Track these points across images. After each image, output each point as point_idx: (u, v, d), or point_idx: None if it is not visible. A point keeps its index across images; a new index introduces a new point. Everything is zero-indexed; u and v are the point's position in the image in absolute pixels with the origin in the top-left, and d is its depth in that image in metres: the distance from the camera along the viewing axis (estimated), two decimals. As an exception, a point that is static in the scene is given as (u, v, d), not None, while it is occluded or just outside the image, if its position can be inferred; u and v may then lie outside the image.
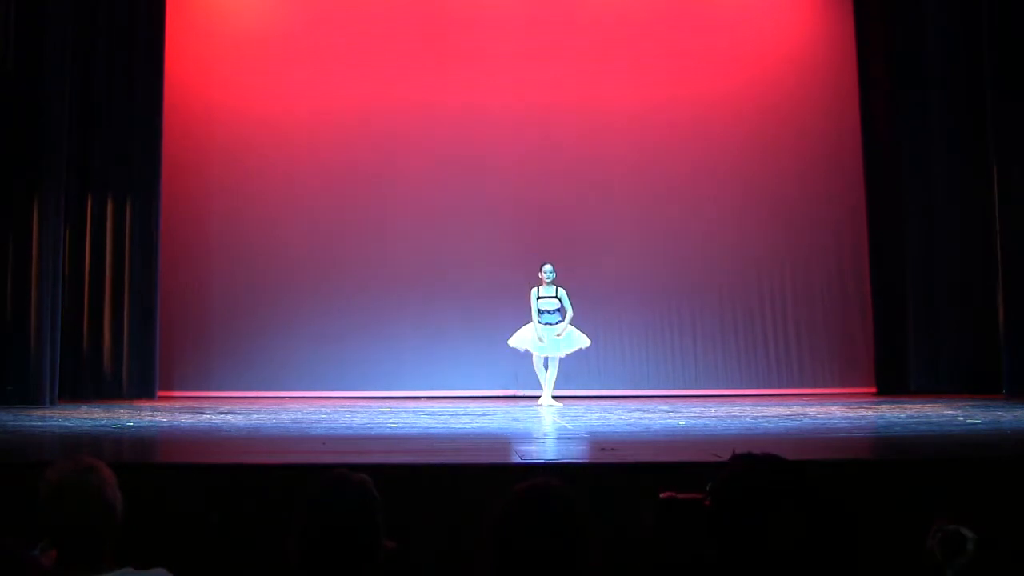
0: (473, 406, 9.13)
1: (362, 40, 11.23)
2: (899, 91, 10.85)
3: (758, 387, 10.85)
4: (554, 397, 9.29)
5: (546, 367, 9.39)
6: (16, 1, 8.98)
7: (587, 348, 9.61)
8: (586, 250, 10.90)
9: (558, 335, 9.27)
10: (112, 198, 10.25)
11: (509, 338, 9.50)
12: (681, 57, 11.34)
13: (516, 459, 5.19)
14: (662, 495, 2.62)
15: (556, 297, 9.35)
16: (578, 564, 2.02)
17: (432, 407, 8.97)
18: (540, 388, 9.42)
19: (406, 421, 7.37)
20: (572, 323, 9.39)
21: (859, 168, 11.15)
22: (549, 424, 7.25)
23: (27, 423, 7.03)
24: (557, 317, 9.34)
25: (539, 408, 8.95)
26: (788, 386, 10.91)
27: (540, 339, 9.30)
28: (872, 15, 11.15)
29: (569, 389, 10.12)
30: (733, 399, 10.00)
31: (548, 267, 9.38)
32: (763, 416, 7.72)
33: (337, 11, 11.35)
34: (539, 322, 9.33)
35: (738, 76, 11.27)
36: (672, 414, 8.04)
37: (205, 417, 7.73)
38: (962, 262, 10.42)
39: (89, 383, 10.06)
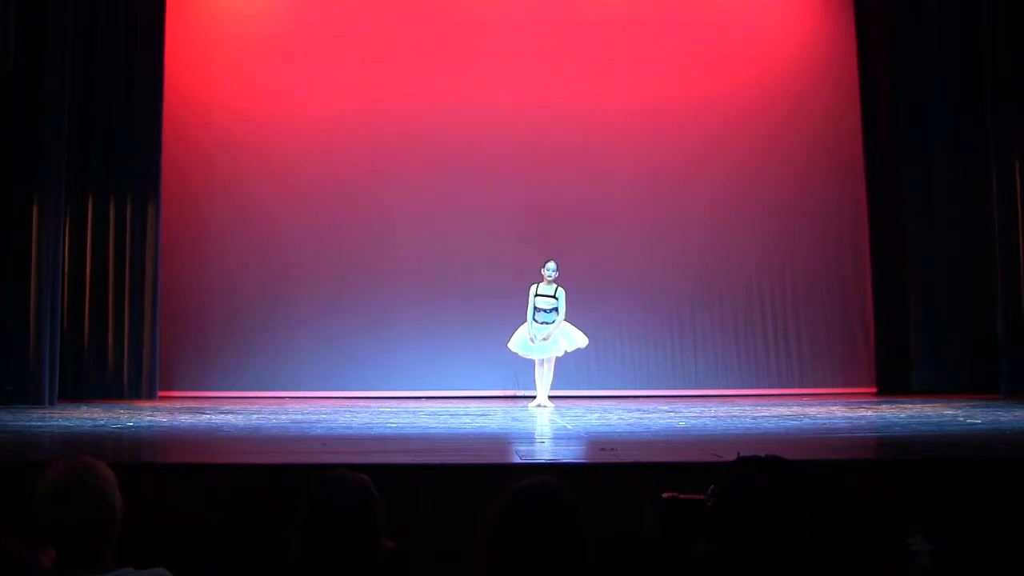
0: (473, 406, 9.13)
1: (362, 39, 11.23)
2: (899, 91, 10.86)
3: (758, 387, 10.84)
4: (550, 397, 9.27)
5: (543, 366, 9.36)
6: (16, 1, 8.98)
7: (587, 347, 9.59)
8: (586, 249, 10.89)
9: (545, 338, 9.21)
10: (112, 198, 10.25)
11: (509, 339, 9.48)
12: (682, 57, 11.34)
13: (516, 459, 5.19)
14: (664, 495, 2.63)
15: (554, 296, 9.31)
16: (575, 562, 2.02)
17: (432, 407, 8.98)
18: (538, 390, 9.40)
19: (406, 421, 7.37)
20: (570, 322, 9.35)
21: (860, 168, 11.16)
22: (548, 424, 7.25)
23: (27, 423, 7.03)
24: (553, 316, 9.30)
25: (533, 409, 8.93)
26: (788, 386, 10.91)
27: (532, 340, 9.26)
28: (872, 15, 11.16)
29: (569, 389, 10.13)
30: (733, 399, 10.00)
31: (551, 264, 9.32)
32: (763, 416, 7.72)
33: (337, 11, 11.35)
34: (534, 320, 9.29)
35: (739, 76, 11.27)
36: (672, 414, 8.04)
37: (205, 417, 7.72)
38: (962, 262, 10.42)
39: (89, 383, 10.06)
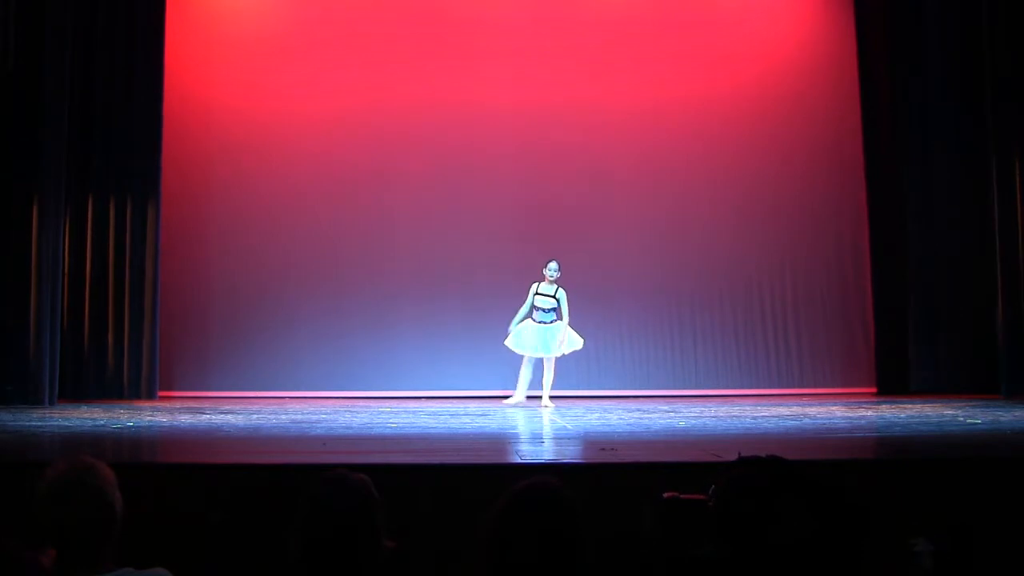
0: (473, 406, 9.13)
1: (362, 39, 11.23)
2: (899, 91, 10.86)
3: (758, 387, 10.84)
4: (551, 398, 9.27)
5: (531, 366, 9.34)
6: (16, 1, 8.97)
7: (587, 348, 9.60)
8: (586, 249, 10.89)
9: (560, 343, 9.23)
10: (112, 198, 10.24)
11: (506, 337, 9.49)
12: (682, 57, 11.33)
13: (516, 459, 5.19)
14: (665, 495, 2.63)
15: (554, 297, 9.32)
16: (575, 562, 2.03)
17: (432, 407, 8.97)
18: (536, 388, 9.39)
19: (406, 421, 7.36)
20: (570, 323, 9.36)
21: (860, 168, 11.15)
22: (548, 423, 7.25)
23: (27, 423, 7.02)
24: (552, 316, 9.31)
25: (508, 405, 8.96)
26: (788, 386, 10.91)
27: (520, 333, 9.24)
28: (872, 15, 11.16)
29: (569, 389, 10.12)
30: (733, 399, 10.00)
31: (553, 265, 9.33)
32: (763, 416, 7.72)
33: (338, 10, 11.34)
34: (531, 318, 9.31)
35: (739, 76, 11.26)
36: (672, 414, 8.04)
37: (205, 417, 7.72)
38: (962, 262, 10.43)
39: (89, 383, 10.06)
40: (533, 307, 9.32)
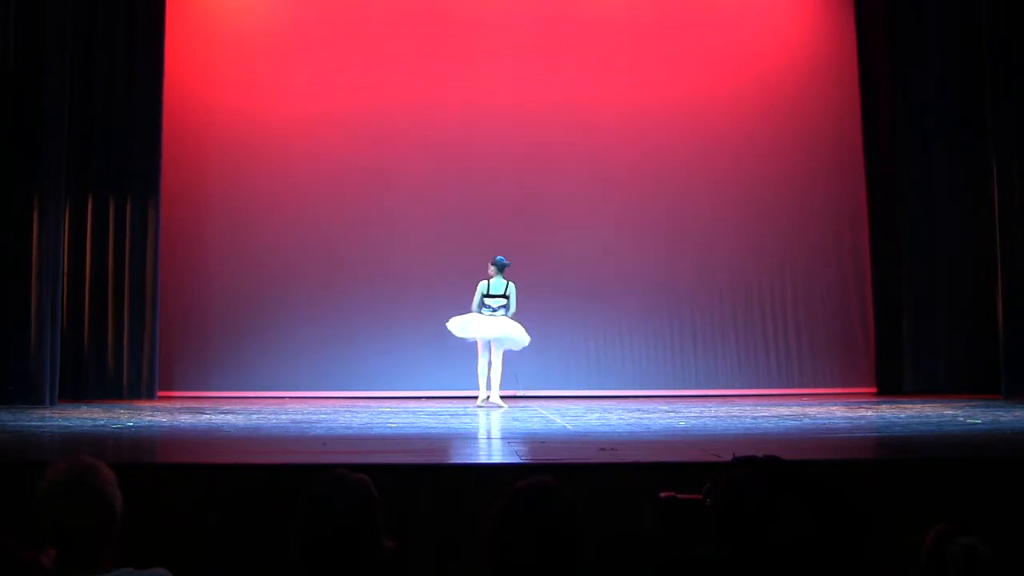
0: (473, 406, 9.13)
1: (362, 39, 11.23)
2: (899, 91, 10.86)
3: (758, 387, 10.85)
4: (502, 397, 9.19)
5: (487, 358, 9.23)
6: (16, 1, 8.97)
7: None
8: (586, 249, 10.90)
9: (509, 330, 9.07)
10: (112, 198, 10.25)
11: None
12: (682, 57, 11.34)
13: (516, 459, 5.19)
14: (662, 495, 2.63)
15: (505, 295, 9.19)
16: (575, 562, 2.03)
17: (432, 407, 8.98)
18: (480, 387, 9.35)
19: (406, 421, 7.37)
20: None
21: (860, 168, 11.16)
22: (542, 423, 7.25)
23: (27, 423, 7.02)
24: (501, 313, 9.23)
25: (477, 408, 8.87)
26: (788, 386, 10.91)
27: (466, 324, 9.12)
28: (872, 15, 11.16)
29: (569, 389, 10.12)
30: (733, 399, 10.00)
31: (498, 260, 9.19)
32: (763, 416, 7.71)
33: (337, 11, 11.35)
34: (480, 313, 9.20)
35: (739, 76, 11.27)
36: (672, 414, 8.04)
37: (205, 417, 7.72)
38: (962, 262, 10.43)
39: (89, 383, 10.06)
40: (482, 305, 9.20)
